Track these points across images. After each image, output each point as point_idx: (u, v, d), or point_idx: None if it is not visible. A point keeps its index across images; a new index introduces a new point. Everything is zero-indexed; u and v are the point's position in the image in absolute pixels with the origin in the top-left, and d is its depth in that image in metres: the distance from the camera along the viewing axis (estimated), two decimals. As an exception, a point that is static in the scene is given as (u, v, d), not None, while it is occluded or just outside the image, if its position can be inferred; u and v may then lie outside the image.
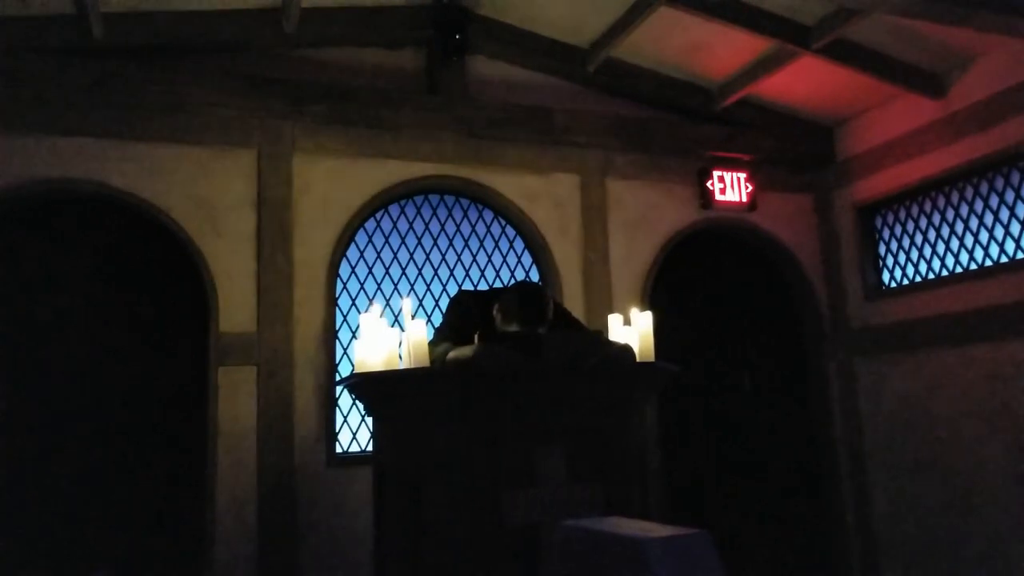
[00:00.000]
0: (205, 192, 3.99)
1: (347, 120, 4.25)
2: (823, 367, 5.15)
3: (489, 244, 4.69)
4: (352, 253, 4.37)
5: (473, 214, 4.69)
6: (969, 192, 4.47)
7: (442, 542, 2.31)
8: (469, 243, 4.65)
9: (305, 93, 4.17)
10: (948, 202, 4.60)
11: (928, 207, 4.73)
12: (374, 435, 2.85)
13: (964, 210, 4.50)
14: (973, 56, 4.30)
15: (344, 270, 4.32)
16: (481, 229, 4.69)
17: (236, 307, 3.94)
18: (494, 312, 2.67)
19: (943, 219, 4.64)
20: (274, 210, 4.07)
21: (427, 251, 4.55)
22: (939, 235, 4.65)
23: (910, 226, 4.84)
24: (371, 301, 4.32)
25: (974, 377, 4.28)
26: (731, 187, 5.01)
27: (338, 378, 4.11)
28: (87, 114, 3.83)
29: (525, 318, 2.54)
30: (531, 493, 2.32)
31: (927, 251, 4.74)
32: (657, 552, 1.18)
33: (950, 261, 4.58)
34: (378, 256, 4.44)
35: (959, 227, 4.53)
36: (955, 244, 4.56)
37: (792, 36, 4.16)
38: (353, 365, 3.17)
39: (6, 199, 3.74)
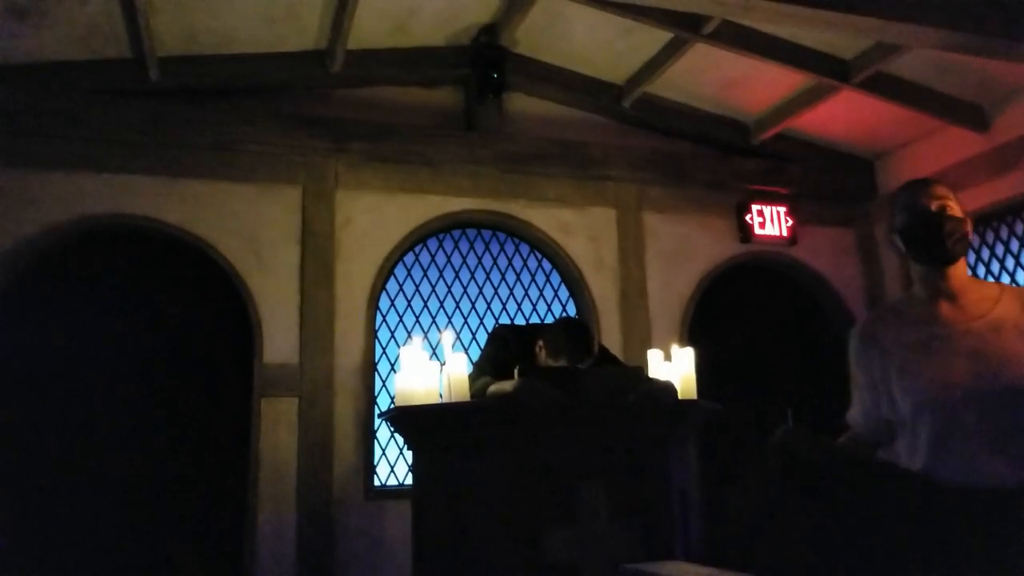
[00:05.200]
0: (251, 227, 4.10)
1: (388, 157, 4.35)
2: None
3: (526, 278, 4.72)
4: (391, 286, 4.43)
5: (510, 248, 4.73)
6: (1019, 226, 4.37)
7: (481, 579, 2.29)
8: (506, 277, 4.68)
9: (348, 131, 4.29)
10: (997, 236, 4.50)
11: (976, 242, 4.63)
12: (413, 468, 2.85)
13: (1015, 245, 4.40)
14: (1017, 88, 4.24)
15: (383, 303, 4.38)
16: (518, 263, 4.72)
17: (279, 339, 4.01)
18: (537, 347, 2.67)
19: (992, 253, 4.53)
20: (317, 245, 4.16)
21: (464, 284, 4.59)
22: (988, 270, 4.55)
23: (956, 260, 4.73)
24: (410, 334, 4.36)
25: None
26: (771, 221, 4.97)
27: (376, 411, 4.14)
28: (141, 153, 3.99)
29: (573, 352, 2.54)
30: (572, 530, 2.30)
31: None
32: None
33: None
34: (416, 289, 4.49)
35: (1010, 262, 4.43)
36: (1005, 279, 4.44)
37: (830, 70, 4.15)
38: (392, 397, 3.19)
39: (63, 234, 3.89)
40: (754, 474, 1.99)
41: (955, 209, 1.76)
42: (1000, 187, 4.34)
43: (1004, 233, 4.45)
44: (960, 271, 1.79)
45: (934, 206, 1.76)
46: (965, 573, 1.56)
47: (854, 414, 1.96)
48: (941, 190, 1.79)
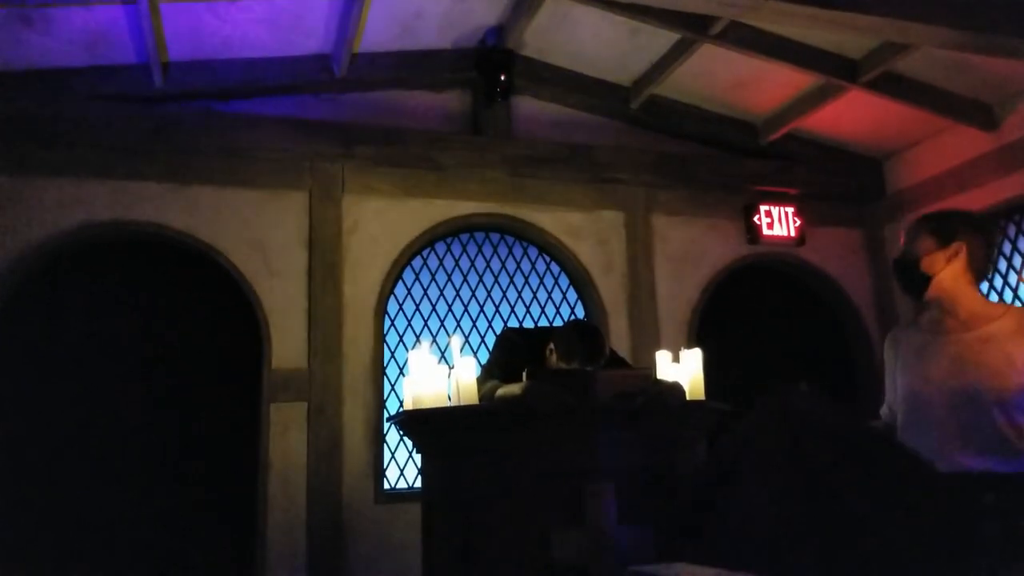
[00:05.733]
0: (259, 233, 4.11)
1: (395, 161, 4.35)
2: (876, 404, 4.99)
3: (534, 281, 4.72)
4: (399, 290, 4.44)
5: (518, 251, 4.73)
6: (1028, 225, 4.34)
7: (491, 582, 2.29)
8: (514, 280, 4.68)
9: (354, 135, 4.29)
10: (1005, 235, 4.47)
11: (985, 240, 4.60)
12: (422, 472, 2.85)
13: (1022, 243, 4.36)
14: (1027, 87, 4.21)
15: (392, 307, 4.39)
16: (526, 266, 4.72)
17: (288, 344, 4.02)
18: (547, 350, 2.67)
19: (1000, 253, 4.50)
20: (324, 249, 4.17)
21: (473, 288, 4.59)
22: (996, 269, 4.51)
23: (966, 260, 4.71)
24: (418, 338, 4.37)
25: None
26: (779, 222, 4.95)
27: (385, 414, 4.15)
28: (147, 159, 4.00)
29: (585, 355, 2.54)
30: (580, 534, 2.29)
31: (983, 286, 4.59)
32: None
33: (1008, 296, 4.43)
34: (425, 293, 4.50)
35: (1017, 260, 4.40)
36: (1013, 278, 4.41)
37: (838, 70, 4.14)
38: (400, 401, 3.19)
39: (69, 241, 3.91)
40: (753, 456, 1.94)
41: (919, 245, 2.08)
42: (1008, 186, 4.31)
43: (1012, 231, 4.42)
44: (972, 295, 2.08)
45: (897, 254, 2.13)
46: (936, 554, 1.62)
47: (884, 405, 2.29)
48: (905, 233, 2.12)
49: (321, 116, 4.33)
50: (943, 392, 1.96)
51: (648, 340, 4.52)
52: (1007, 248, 4.46)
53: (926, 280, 2.08)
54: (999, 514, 1.77)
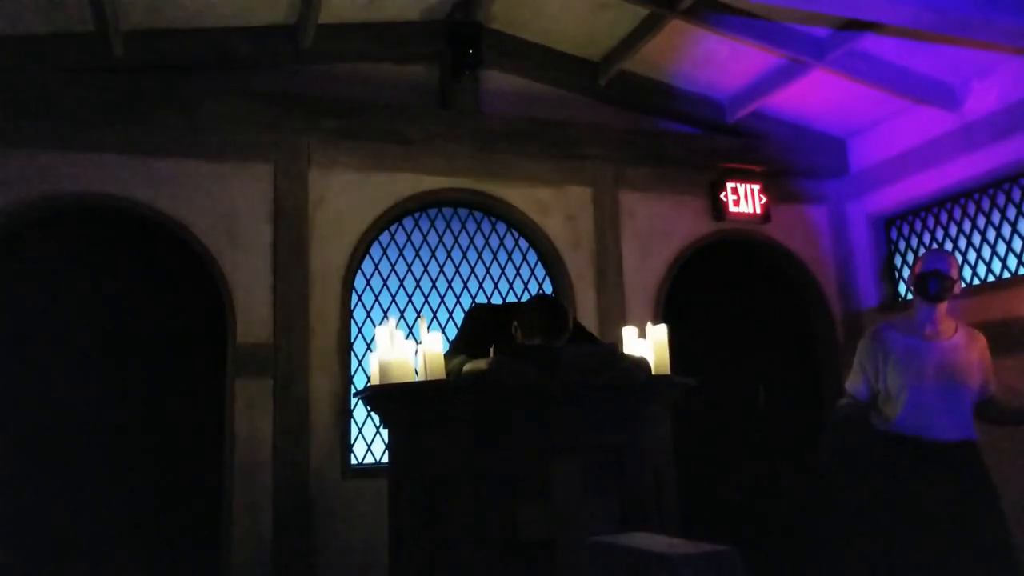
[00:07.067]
0: (223, 206, 4.04)
1: (362, 134, 4.30)
2: (838, 379, 5.12)
3: (502, 257, 4.72)
4: (367, 266, 4.41)
5: (487, 227, 4.72)
6: (985, 203, 4.45)
7: (457, 555, 2.31)
8: (483, 256, 4.67)
9: (320, 108, 4.22)
10: (964, 213, 4.58)
11: (944, 218, 4.71)
12: (389, 447, 2.86)
13: (980, 221, 4.48)
14: (987, 69, 4.29)
15: (359, 282, 4.36)
16: (495, 242, 4.71)
17: (253, 319, 3.98)
18: (513, 326, 2.68)
19: (959, 230, 4.62)
20: (290, 223, 4.11)
21: (441, 264, 4.58)
22: (955, 246, 4.63)
23: (926, 237, 4.82)
24: (386, 314, 4.35)
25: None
26: (744, 199, 5.01)
27: (352, 390, 4.14)
28: (108, 130, 3.90)
29: (547, 331, 2.54)
30: (547, 507, 2.32)
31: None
32: (690, 569, 1.18)
33: (967, 273, 4.55)
34: (392, 269, 4.47)
35: (976, 238, 4.51)
36: (972, 255, 4.53)
37: (804, 49, 4.17)
38: (368, 377, 3.18)
39: (28, 213, 3.80)
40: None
41: (953, 271, 2.84)
42: (968, 165, 4.41)
43: (971, 209, 4.53)
44: (942, 307, 2.87)
45: (938, 266, 2.84)
46: (923, 505, 2.74)
47: (856, 383, 2.99)
48: (949, 256, 2.89)
49: (286, 88, 4.24)
50: (934, 385, 2.80)
51: (615, 315, 4.56)
52: (967, 225, 4.57)
53: (950, 290, 2.85)
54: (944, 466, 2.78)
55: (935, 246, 4.75)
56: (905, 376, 2.81)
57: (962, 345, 2.87)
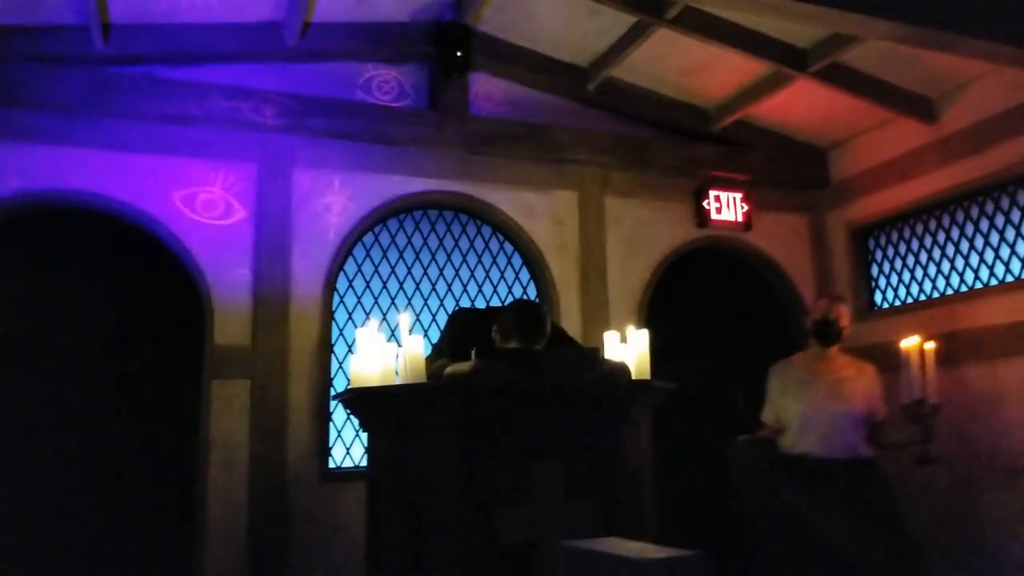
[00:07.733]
0: (204, 205, 4.00)
1: (347, 134, 4.28)
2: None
3: (487, 260, 4.72)
4: (350, 267, 4.39)
5: (472, 230, 4.72)
6: (960, 215, 4.52)
7: (436, 559, 2.31)
8: (467, 259, 4.67)
9: (306, 107, 4.20)
10: (939, 225, 4.65)
11: (920, 229, 4.78)
12: (368, 450, 2.85)
13: (955, 233, 4.55)
14: (965, 82, 4.37)
15: (341, 284, 4.34)
16: (480, 245, 4.71)
17: (231, 320, 3.94)
18: (492, 329, 2.68)
19: (935, 241, 4.69)
20: (273, 224, 4.08)
21: (425, 266, 4.57)
22: (931, 257, 4.70)
23: (902, 248, 4.89)
24: (368, 316, 4.33)
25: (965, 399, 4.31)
26: (727, 207, 5.05)
27: (333, 392, 4.11)
28: (87, 125, 3.85)
29: (524, 334, 2.55)
30: (526, 511, 2.33)
31: (919, 273, 4.79)
32: (657, 574, 1.19)
33: (941, 283, 4.63)
34: (376, 271, 4.45)
35: (950, 250, 4.58)
36: (946, 266, 4.61)
37: (788, 59, 4.22)
38: (349, 379, 3.17)
39: (5, 210, 3.74)
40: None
41: (844, 319, 3.45)
42: (945, 177, 4.48)
43: (946, 222, 4.60)
44: (835, 348, 3.50)
45: (831, 315, 3.44)
46: (821, 511, 3.28)
47: (768, 415, 3.60)
48: (841, 306, 3.49)
49: (272, 86, 4.21)
50: (824, 412, 3.38)
51: (599, 320, 4.58)
52: (941, 237, 4.64)
53: (839, 336, 3.46)
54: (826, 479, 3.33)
55: (911, 256, 4.82)
56: (799, 404, 3.41)
57: (849, 377, 3.45)
